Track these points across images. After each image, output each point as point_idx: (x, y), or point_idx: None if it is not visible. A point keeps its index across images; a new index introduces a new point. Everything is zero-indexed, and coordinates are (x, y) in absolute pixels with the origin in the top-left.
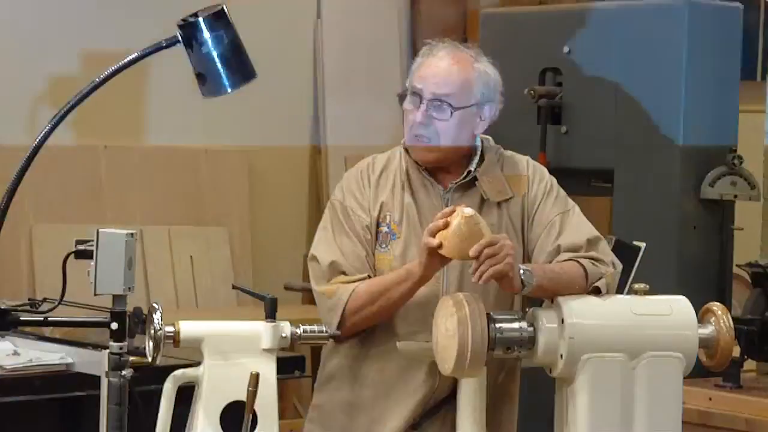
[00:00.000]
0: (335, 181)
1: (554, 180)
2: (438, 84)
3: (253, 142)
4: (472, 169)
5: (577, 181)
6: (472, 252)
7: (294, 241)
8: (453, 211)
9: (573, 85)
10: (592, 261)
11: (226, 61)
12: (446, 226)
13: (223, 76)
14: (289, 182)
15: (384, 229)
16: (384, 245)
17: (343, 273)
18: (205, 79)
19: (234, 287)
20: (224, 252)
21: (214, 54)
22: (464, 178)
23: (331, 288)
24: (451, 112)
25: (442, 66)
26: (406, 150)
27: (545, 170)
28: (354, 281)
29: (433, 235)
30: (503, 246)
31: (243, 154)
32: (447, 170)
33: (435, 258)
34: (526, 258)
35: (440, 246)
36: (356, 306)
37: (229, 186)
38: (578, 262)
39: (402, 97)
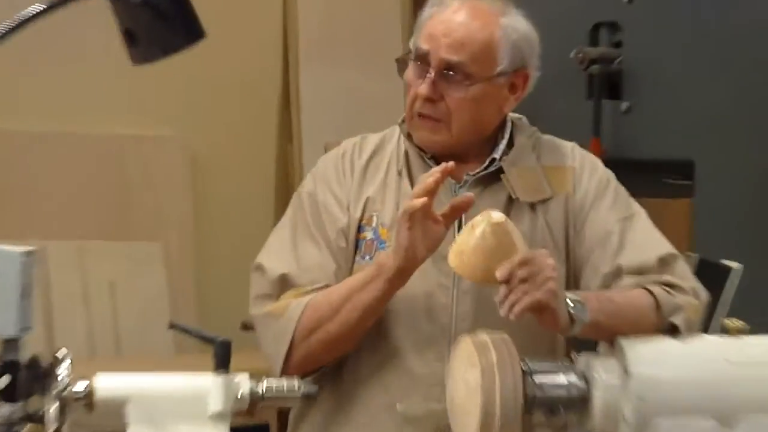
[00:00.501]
0: None
1: (612, 175)
2: (451, 46)
3: (198, 128)
4: (497, 156)
5: (644, 177)
6: (500, 274)
7: (253, 254)
8: (466, 205)
9: (637, 45)
10: (667, 288)
11: (165, 13)
12: (434, 189)
13: (161, 34)
14: (248, 180)
15: (368, 234)
16: (367, 256)
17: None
18: (135, 38)
19: (171, 326)
20: (157, 276)
21: (149, 3)
22: (485, 169)
23: (280, 305)
24: (469, 85)
25: (457, 21)
26: (408, 134)
27: (598, 161)
28: (310, 292)
29: (419, 197)
30: (543, 266)
31: (184, 143)
32: (462, 158)
33: (419, 239)
34: (573, 283)
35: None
36: (311, 323)
37: (165, 186)
38: (647, 289)
39: (402, 63)
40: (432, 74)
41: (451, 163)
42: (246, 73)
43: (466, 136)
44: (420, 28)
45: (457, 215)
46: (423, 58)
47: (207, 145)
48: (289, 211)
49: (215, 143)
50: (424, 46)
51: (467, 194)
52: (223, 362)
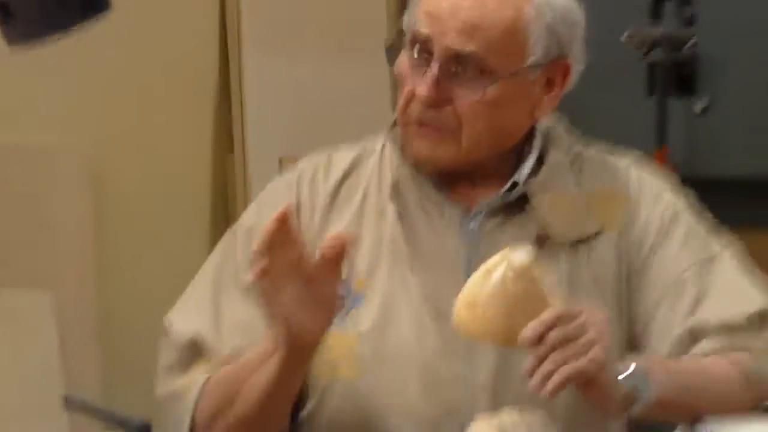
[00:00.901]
0: None
1: (685, 200)
2: (462, 31)
3: (102, 135)
4: (520, 179)
5: (730, 200)
6: (526, 336)
7: None
8: (341, 247)
9: (716, 22)
10: (761, 355)
11: None
12: (275, 237)
13: (47, 5)
14: (172, 207)
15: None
16: (337, 318)
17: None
18: (8, 10)
19: (68, 402)
20: (47, 337)
21: None
22: (505, 195)
23: (184, 384)
24: (487, 84)
25: None
26: (402, 147)
27: (665, 184)
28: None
29: (265, 247)
30: (585, 324)
31: (83, 155)
32: (472, 178)
33: (292, 305)
34: (632, 351)
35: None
36: (209, 411)
37: (56, 214)
38: (734, 356)
39: (393, 51)
40: (435, 69)
41: (284, 210)
42: (169, 63)
43: (480, 151)
44: (417, 3)
45: (337, 262)
46: (422, 46)
47: (114, 157)
48: (216, 254)
49: (126, 156)
50: (424, 29)
51: (338, 235)
52: None
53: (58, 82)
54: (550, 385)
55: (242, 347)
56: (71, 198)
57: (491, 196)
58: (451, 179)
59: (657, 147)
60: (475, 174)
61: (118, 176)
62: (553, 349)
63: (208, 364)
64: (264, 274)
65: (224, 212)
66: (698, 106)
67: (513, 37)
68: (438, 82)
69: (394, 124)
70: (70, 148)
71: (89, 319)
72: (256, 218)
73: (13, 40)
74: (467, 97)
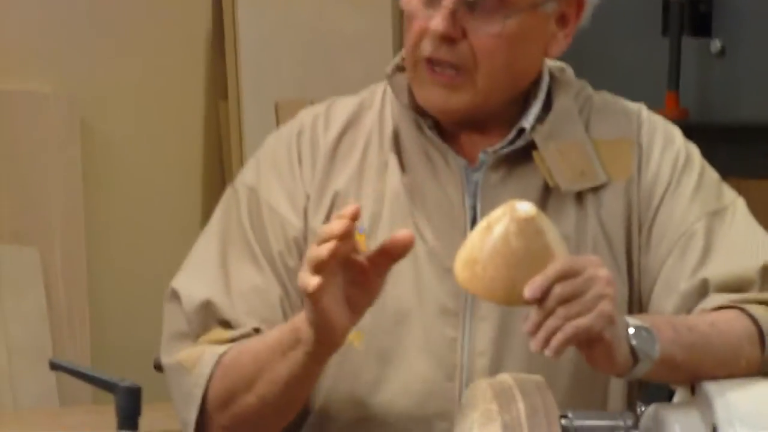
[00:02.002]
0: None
1: (695, 150)
2: None
3: (89, 81)
4: (527, 126)
5: (744, 150)
6: (530, 291)
7: (175, 267)
8: (405, 247)
9: None
10: None
11: None
12: (345, 233)
13: None
14: (164, 157)
15: None
16: None
17: (227, 324)
18: None
19: (54, 366)
20: (33, 295)
21: None
22: (511, 144)
23: (194, 353)
24: (506, 16)
25: None
26: (409, 91)
27: (676, 130)
28: (232, 339)
29: (318, 269)
30: (593, 279)
31: (70, 101)
32: (477, 127)
33: (336, 303)
34: (638, 305)
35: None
36: (224, 393)
37: (42, 165)
38: (744, 311)
39: None
40: (449, 0)
41: (355, 207)
42: (160, 6)
43: (495, 94)
44: None
45: (389, 260)
46: None
47: (103, 105)
48: (219, 213)
49: (115, 103)
50: None
51: (404, 233)
52: (129, 419)
53: (46, 27)
54: (555, 342)
55: (255, 312)
56: (58, 147)
57: (495, 144)
58: (454, 126)
59: (669, 90)
60: (478, 120)
61: (107, 125)
62: (558, 304)
63: (219, 332)
64: (336, 259)
65: (218, 161)
66: (714, 47)
67: None
68: (453, 15)
69: (394, 70)
70: (58, 94)
71: (77, 277)
72: (255, 176)
73: None
74: (484, 31)
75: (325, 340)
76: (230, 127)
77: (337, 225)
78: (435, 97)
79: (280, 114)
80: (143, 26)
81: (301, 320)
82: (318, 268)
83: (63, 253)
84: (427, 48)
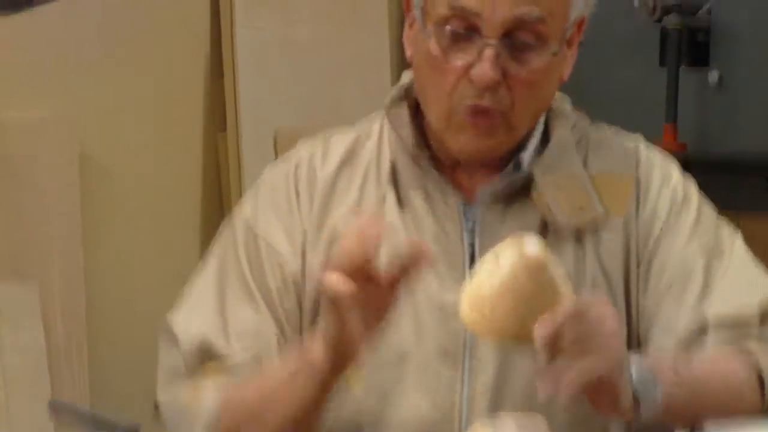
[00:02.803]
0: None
1: (692, 185)
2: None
3: (88, 108)
4: (525, 160)
5: (743, 183)
6: (540, 331)
7: (174, 301)
8: (423, 259)
9: None
10: None
11: None
12: (370, 245)
13: None
14: (164, 185)
15: None
16: None
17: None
18: None
19: (53, 406)
20: (32, 332)
21: None
22: (509, 176)
23: (194, 390)
24: (546, 52)
25: None
26: (408, 123)
27: (674, 164)
28: (237, 368)
29: (348, 268)
30: (602, 319)
31: (69, 129)
32: (475, 161)
33: (354, 325)
34: (636, 343)
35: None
36: (229, 427)
37: (40, 195)
38: (744, 350)
39: (422, 28)
40: (493, 45)
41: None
42: (159, 36)
43: (524, 132)
44: None
45: (407, 275)
46: (467, 22)
47: (102, 133)
48: (217, 249)
49: (114, 131)
50: (471, 3)
51: (422, 244)
52: None
53: (44, 55)
54: (566, 386)
55: (255, 355)
56: (57, 175)
57: (493, 178)
58: (453, 161)
59: (666, 122)
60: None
61: (106, 154)
62: (569, 346)
63: (218, 370)
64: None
65: (217, 193)
66: (712, 78)
67: None
68: (496, 60)
69: (392, 102)
70: (56, 123)
71: (76, 313)
72: (251, 211)
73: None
74: (524, 71)
75: (339, 359)
76: (229, 158)
77: (372, 225)
78: (475, 143)
79: (279, 142)
80: (142, 55)
81: (313, 340)
82: (351, 268)
83: (62, 288)
84: (468, 96)
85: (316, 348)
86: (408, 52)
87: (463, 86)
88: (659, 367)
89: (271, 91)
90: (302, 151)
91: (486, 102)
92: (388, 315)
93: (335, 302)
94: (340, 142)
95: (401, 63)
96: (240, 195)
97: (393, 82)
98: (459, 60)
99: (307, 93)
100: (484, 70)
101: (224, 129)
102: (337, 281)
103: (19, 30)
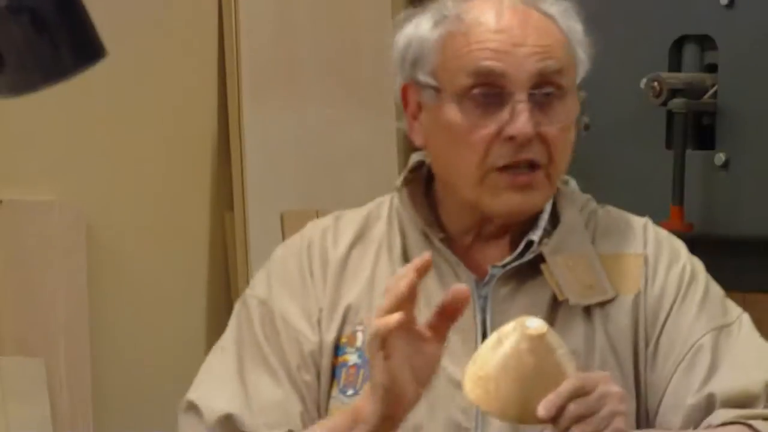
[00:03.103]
0: (261, 264)
1: (699, 265)
2: (543, 52)
3: (96, 190)
4: (536, 238)
5: (750, 264)
6: (544, 409)
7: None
8: (462, 300)
9: (739, 68)
10: None
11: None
12: (410, 295)
13: (39, 52)
14: (170, 267)
15: (351, 358)
16: (350, 390)
17: None
18: (1, 59)
19: None
20: (38, 403)
21: (23, 7)
22: (519, 257)
23: None
24: (566, 99)
25: (518, 21)
26: (417, 204)
27: (681, 245)
28: None
29: (394, 308)
30: (606, 396)
31: (76, 211)
32: (485, 239)
33: (403, 371)
34: (645, 420)
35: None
36: None
37: (46, 273)
38: (751, 427)
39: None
40: (524, 99)
41: (427, 255)
42: (166, 117)
43: (555, 189)
44: (456, 50)
45: (451, 319)
46: (490, 85)
47: (109, 214)
48: (233, 326)
49: (121, 212)
50: (494, 63)
51: (460, 287)
52: None
53: (51, 136)
54: None
55: (277, 427)
56: (64, 254)
57: (503, 257)
58: (464, 239)
59: (673, 203)
60: (486, 231)
61: (113, 235)
62: (572, 423)
63: None
64: (401, 328)
65: (224, 272)
66: (718, 159)
67: (570, 51)
68: (531, 115)
69: (403, 183)
70: (64, 204)
71: (83, 390)
72: (266, 290)
73: (2, 89)
74: (553, 123)
75: (391, 412)
76: (236, 238)
77: (401, 284)
78: (514, 202)
79: (286, 224)
80: (149, 136)
81: (363, 400)
82: (397, 303)
83: (67, 364)
84: (504, 155)
85: (366, 401)
86: (418, 141)
87: (497, 148)
88: None
89: (278, 173)
90: (313, 231)
91: (522, 156)
92: (432, 372)
93: (384, 340)
94: (350, 221)
95: (408, 148)
96: (247, 273)
97: (400, 167)
98: (491, 123)
99: (313, 176)
100: (523, 123)
101: (231, 208)
102: (386, 318)
103: (25, 114)
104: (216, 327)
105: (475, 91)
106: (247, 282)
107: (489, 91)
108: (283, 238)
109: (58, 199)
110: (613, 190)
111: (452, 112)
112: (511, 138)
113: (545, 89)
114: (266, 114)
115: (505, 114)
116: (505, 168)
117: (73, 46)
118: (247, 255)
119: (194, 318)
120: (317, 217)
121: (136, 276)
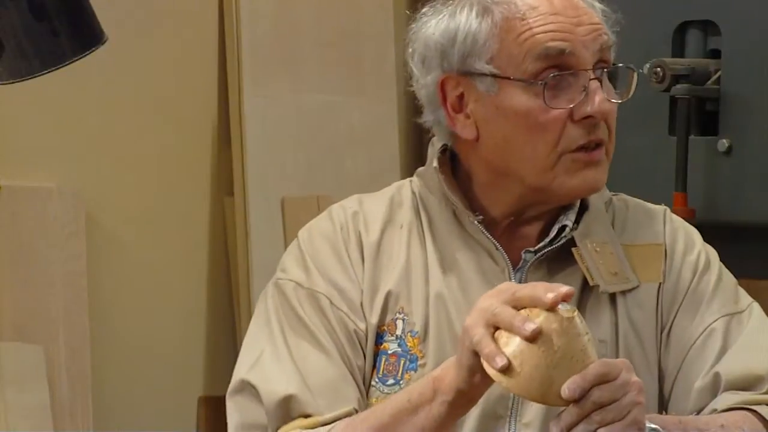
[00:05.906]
0: (262, 249)
1: (713, 252)
2: (599, 30)
3: (95, 176)
4: (569, 223)
5: (752, 249)
6: (568, 390)
7: (179, 363)
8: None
9: (743, 54)
10: None
11: (44, 8)
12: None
13: (38, 38)
14: (170, 252)
15: (390, 346)
16: (390, 379)
17: (308, 417)
18: (1, 45)
19: None
20: (37, 390)
21: None
22: (554, 241)
23: None
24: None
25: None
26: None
27: (695, 233)
28: (327, 423)
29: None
30: (628, 384)
31: (75, 196)
32: (515, 223)
33: (483, 378)
34: (663, 406)
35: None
36: None
37: (46, 259)
38: (755, 412)
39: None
40: (596, 75)
41: (570, 289)
42: (167, 103)
43: None
44: (499, 45)
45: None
46: (565, 64)
47: (108, 200)
48: (270, 310)
49: (120, 198)
50: (561, 43)
51: (568, 290)
52: None
53: (51, 122)
54: None
55: (340, 406)
56: (64, 241)
57: (535, 243)
58: (499, 224)
59: (676, 189)
60: (522, 217)
61: (112, 220)
62: (595, 408)
63: (302, 421)
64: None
65: (224, 258)
66: (721, 146)
67: (608, 29)
68: (602, 90)
69: (436, 167)
70: (63, 190)
71: (82, 376)
72: (302, 273)
73: (2, 75)
74: (614, 101)
75: (470, 390)
76: (236, 223)
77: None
78: (591, 179)
79: (286, 210)
80: (149, 122)
81: (444, 369)
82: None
83: (67, 350)
84: (577, 137)
85: (448, 375)
86: (467, 133)
87: (569, 131)
88: (668, 426)
89: (278, 159)
90: (343, 213)
91: (598, 136)
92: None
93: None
94: (376, 205)
95: (409, 132)
96: (247, 258)
97: (400, 151)
98: (563, 104)
99: (314, 161)
100: (601, 100)
101: (231, 193)
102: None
103: (25, 101)
104: (216, 313)
105: (546, 74)
106: (248, 267)
107: (560, 72)
108: (284, 223)
109: (57, 185)
110: (617, 176)
111: (520, 98)
112: (586, 118)
113: (603, 66)
114: (267, 99)
115: (575, 94)
116: (581, 148)
117: (72, 32)
118: (247, 240)
119: (194, 304)
120: (317, 202)
121: (135, 262)
